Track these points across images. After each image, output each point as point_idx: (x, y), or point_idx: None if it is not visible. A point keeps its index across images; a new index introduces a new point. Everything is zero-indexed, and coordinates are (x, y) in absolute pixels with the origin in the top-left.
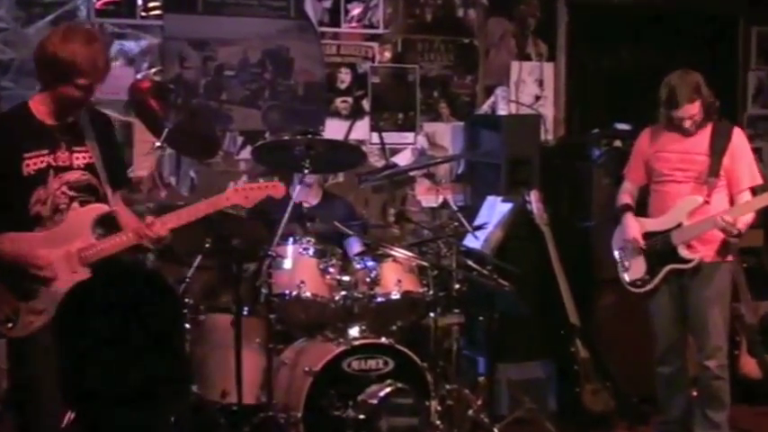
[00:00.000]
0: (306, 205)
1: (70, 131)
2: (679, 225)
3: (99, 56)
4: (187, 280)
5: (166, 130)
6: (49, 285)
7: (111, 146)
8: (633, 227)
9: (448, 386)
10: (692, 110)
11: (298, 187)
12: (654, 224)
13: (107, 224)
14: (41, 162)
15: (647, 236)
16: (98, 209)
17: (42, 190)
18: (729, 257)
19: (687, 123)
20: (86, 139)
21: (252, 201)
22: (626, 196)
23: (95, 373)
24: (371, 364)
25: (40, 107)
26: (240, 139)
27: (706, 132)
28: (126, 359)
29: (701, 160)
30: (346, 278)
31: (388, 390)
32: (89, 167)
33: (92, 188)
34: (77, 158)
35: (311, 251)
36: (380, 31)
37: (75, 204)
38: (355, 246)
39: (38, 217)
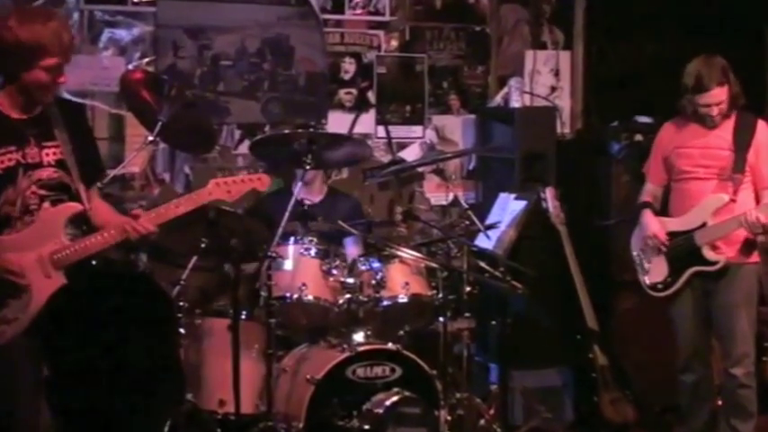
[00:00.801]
0: (308, 202)
1: (38, 125)
2: (703, 225)
3: (63, 31)
4: (182, 282)
5: (160, 123)
6: (21, 292)
7: (83, 137)
8: (654, 223)
9: (458, 395)
10: (721, 95)
11: (299, 184)
12: (676, 224)
13: (80, 224)
14: (9, 160)
15: (669, 236)
16: (70, 208)
17: (11, 190)
18: (756, 258)
19: (714, 111)
20: (56, 132)
21: (235, 194)
22: (646, 197)
23: (82, 383)
24: (377, 371)
25: (3, 101)
26: (238, 133)
27: (729, 125)
28: (116, 367)
29: (725, 155)
30: (350, 280)
31: (394, 399)
32: (60, 163)
33: (63, 186)
34: (47, 154)
35: (313, 252)
36: (387, 18)
37: (47, 204)
38: (352, 247)
39: (7, 218)
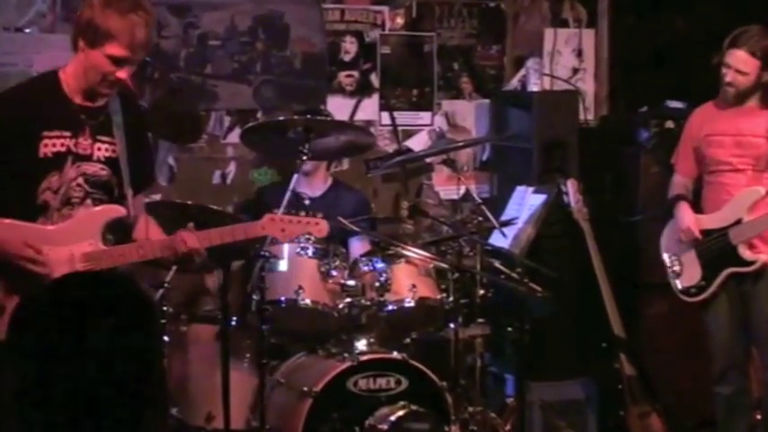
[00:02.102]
0: (307, 197)
1: (98, 116)
2: (738, 221)
3: (140, 27)
4: (165, 285)
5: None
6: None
7: (140, 140)
8: (688, 216)
9: (471, 409)
10: (747, 63)
11: (295, 176)
12: (709, 221)
13: (118, 230)
14: (62, 145)
15: (703, 234)
16: (114, 210)
17: (57, 177)
18: None
19: (729, 76)
20: (114, 129)
21: (289, 235)
22: (678, 189)
23: (50, 396)
24: (381, 383)
25: (70, 81)
26: (227, 120)
27: (764, 114)
28: (90, 379)
29: (759, 143)
30: (351, 283)
31: (400, 413)
32: (110, 162)
33: (109, 186)
34: (99, 149)
35: (311, 251)
36: None
37: (89, 201)
38: (357, 246)
39: (45, 206)
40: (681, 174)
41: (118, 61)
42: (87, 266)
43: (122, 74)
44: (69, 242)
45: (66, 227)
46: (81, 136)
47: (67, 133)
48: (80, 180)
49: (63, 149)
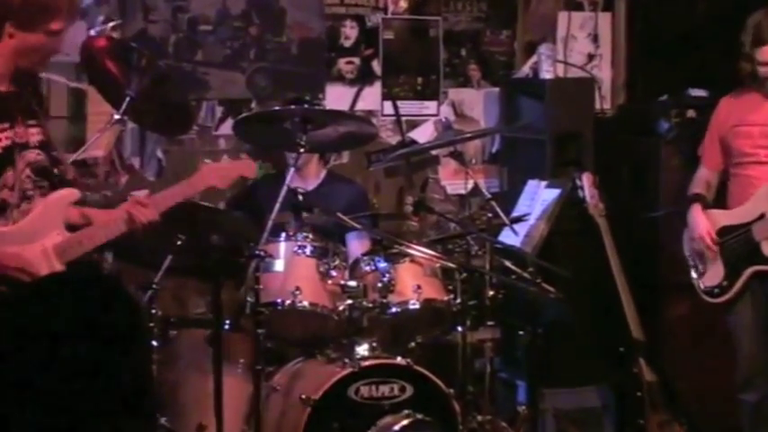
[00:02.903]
0: (301, 191)
1: (20, 99)
2: (761, 216)
3: None
4: (154, 286)
5: (128, 99)
6: None
7: (46, 117)
8: (700, 222)
9: (480, 417)
10: None
11: (291, 169)
12: (730, 217)
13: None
14: (6, 138)
15: (724, 231)
16: (71, 194)
17: (11, 173)
18: None
19: (764, 71)
20: (36, 110)
21: (228, 181)
22: (698, 185)
23: (31, 407)
24: (384, 390)
25: None
26: (219, 110)
27: None
28: (74, 388)
29: None
30: (352, 283)
31: (405, 422)
32: (43, 146)
33: (47, 172)
34: (32, 134)
35: (309, 250)
36: None
37: (39, 192)
38: (355, 243)
39: (3, 206)
40: (706, 166)
41: (57, 35)
42: (62, 259)
43: (60, 45)
44: (38, 237)
45: (29, 222)
46: (17, 124)
47: (6, 124)
48: (27, 171)
49: (9, 143)
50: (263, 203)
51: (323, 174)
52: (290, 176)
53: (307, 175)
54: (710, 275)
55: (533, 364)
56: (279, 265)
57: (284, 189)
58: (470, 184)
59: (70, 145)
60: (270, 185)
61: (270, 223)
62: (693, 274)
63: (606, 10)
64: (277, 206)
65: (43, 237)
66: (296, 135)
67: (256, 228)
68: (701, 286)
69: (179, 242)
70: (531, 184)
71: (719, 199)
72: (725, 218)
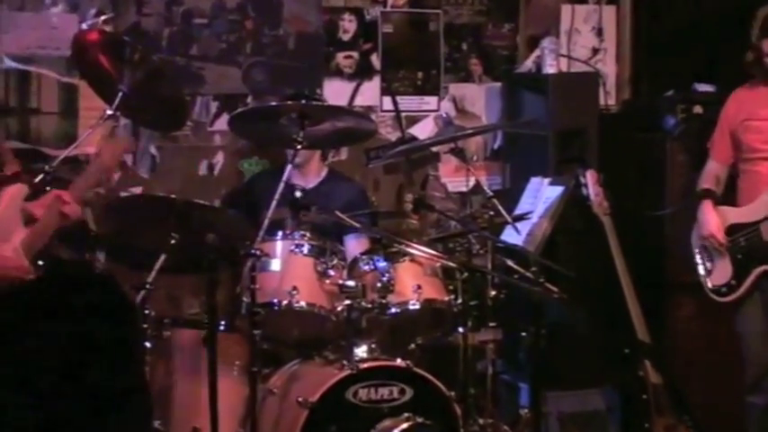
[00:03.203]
0: (299, 187)
1: None
2: None
3: None
4: (147, 286)
5: (120, 94)
6: None
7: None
8: (711, 220)
9: (482, 421)
10: None
11: (288, 166)
12: (740, 214)
13: None
14: None
15: (732, 229)
16: (21, 189)
17: None
18: None
19: None
20: None
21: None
22: (707, 181)
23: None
24: (383, 392)
25: None
26: (215, 106)
27: None
28: (66, 390)
29: None
30: (351, 283)
31: (404, 426)
32: None
33: None
34: None
35: (306, 248)
36: None
37: None
38: (353, 244)
39: None
40: (716, 159)
41: None
42: (28, 255)
43: None
44: (5, 238)
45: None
46: None
47: None
48: None
49: None
50: (260, 200)
51: (324, 172)
52: (287, 173)
53: (307, 173)
54: (718, 274)
55: (536, 366)
56: (275, 265)
57: (281, 186)
58: (472, 182)
59: (61, 141)
60: (267, 182)
61: (266, 221)
62: (701, 272)
63: (611, 3)
64: (274, 203)
65: (11, 236)
66: (293, 131)
67: (252, 226)
68: (709, 285)
69: (173, 241)
70: (534, 181)
71: (727, 194)
72: (734, 216)
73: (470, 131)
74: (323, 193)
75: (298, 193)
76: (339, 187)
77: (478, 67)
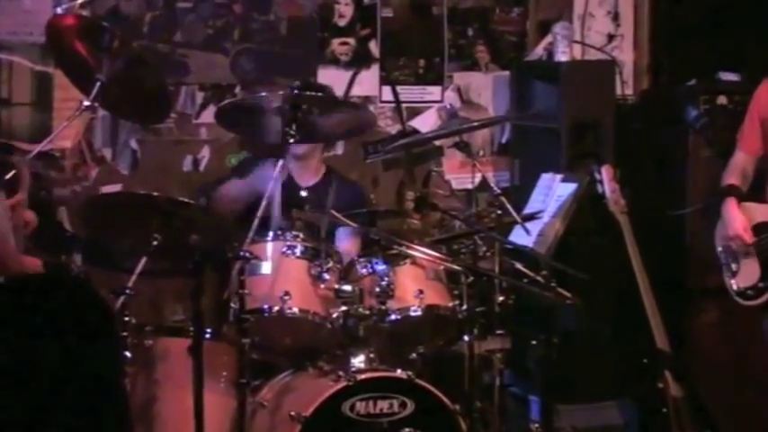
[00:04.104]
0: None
1: None
2: None
3: None
4: (127, 291)
5: (98, 83)
6: None
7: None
8: (736, 219)
9: None
10: None
11: (280, 162)
12: (767, 212)
13: None
14: None
15: (760, 228)
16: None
17: None
18: None
19: None
20: None
21: None
22: (733, 174)
23: None
24: (383, 406)
25: None
26: (200, 96)
27: None
28: (40, 403)
29: None
30: (347, 288)
31: None
32: None
33: None
34: None
35: (299, 250)
36: None
37: None
38: (345, 241)
39: None
40: (744, 150)
41: None
42: None
43: None
44: None
45: None
46: None
47: None
48: None
49: None
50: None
51: (323, 170)
52: (278, 168)
53: (306, 170)
54: (744, 276)
55: (547, 378)
56: (266, 268)
57: (277, 184)
58: (478, 178)
59: (34, 135)
60: (261, 168)
61: (256, 221)
62: (725, 274)
63: None
64: (264, 202)
65: None
66: (285, 124)
67: (240, 227)
68: (734, 287)
69: (155, 242)
70: (545, 177)
71: (756, 190)
72: (761, 213)
73: (476, 124)
74: (321, 192)
75: (303, 193)
76: (338, 188)
77: (485, 54)
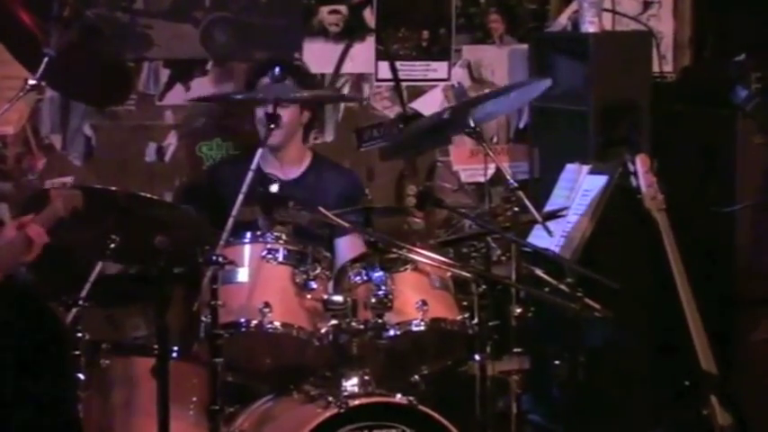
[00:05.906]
0: (276, 179)
1: None
2: None
3: None
4: (81, 303)
5: (47, 59)
6: None
7: None
8: None
9: None
10: None
11: (259, 151)
12: None
13: None
14: None
15: None
16: None
17: None
18: None
19: None
20: None
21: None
22: None
23: None
24: None
25: None
26: (165, 74)
27: None
28: None
29: None
30: (338, 298)
31: None
32: None
33: None
34: None
35: (281, 255)
36: None
37: None
38: (346, 247)
39: None
40: None
41: None
42: None
43: None
44: None
45: None
46: None
47: None
48: None
49: None
50: (226, 195)
51: (308, 158)
52: (257, 157)
53: (286, 160)
54: None
55: (573, 404)
56: (242, 275)
57: (250, 175)
58: (491, 170)
59: None
60: (234, 170)
61: (231, 220)
62: None
63: None
64: (240, 197)
65: None
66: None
67: (214, 226)
68: None
69: (112, 245)
70: (570, 169)
71: None
72: None
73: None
74: (308, 184)
75: (273, 187)
76: (328, 178)
77: (499, 24)
